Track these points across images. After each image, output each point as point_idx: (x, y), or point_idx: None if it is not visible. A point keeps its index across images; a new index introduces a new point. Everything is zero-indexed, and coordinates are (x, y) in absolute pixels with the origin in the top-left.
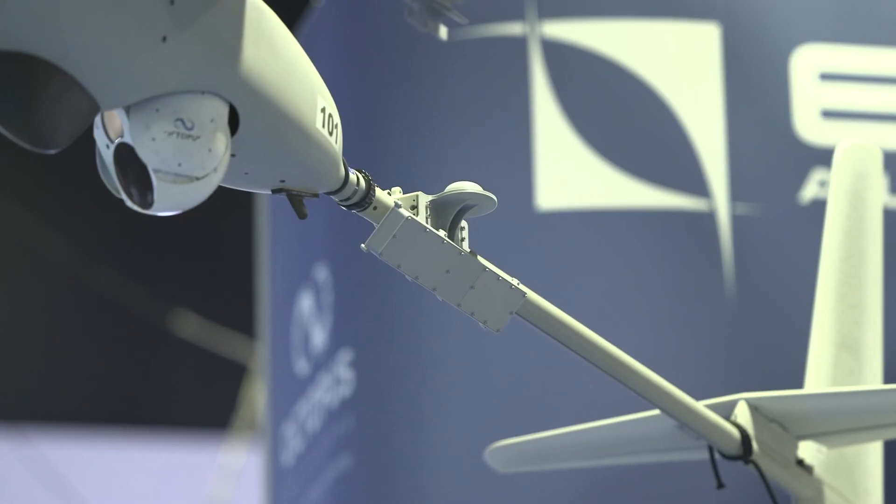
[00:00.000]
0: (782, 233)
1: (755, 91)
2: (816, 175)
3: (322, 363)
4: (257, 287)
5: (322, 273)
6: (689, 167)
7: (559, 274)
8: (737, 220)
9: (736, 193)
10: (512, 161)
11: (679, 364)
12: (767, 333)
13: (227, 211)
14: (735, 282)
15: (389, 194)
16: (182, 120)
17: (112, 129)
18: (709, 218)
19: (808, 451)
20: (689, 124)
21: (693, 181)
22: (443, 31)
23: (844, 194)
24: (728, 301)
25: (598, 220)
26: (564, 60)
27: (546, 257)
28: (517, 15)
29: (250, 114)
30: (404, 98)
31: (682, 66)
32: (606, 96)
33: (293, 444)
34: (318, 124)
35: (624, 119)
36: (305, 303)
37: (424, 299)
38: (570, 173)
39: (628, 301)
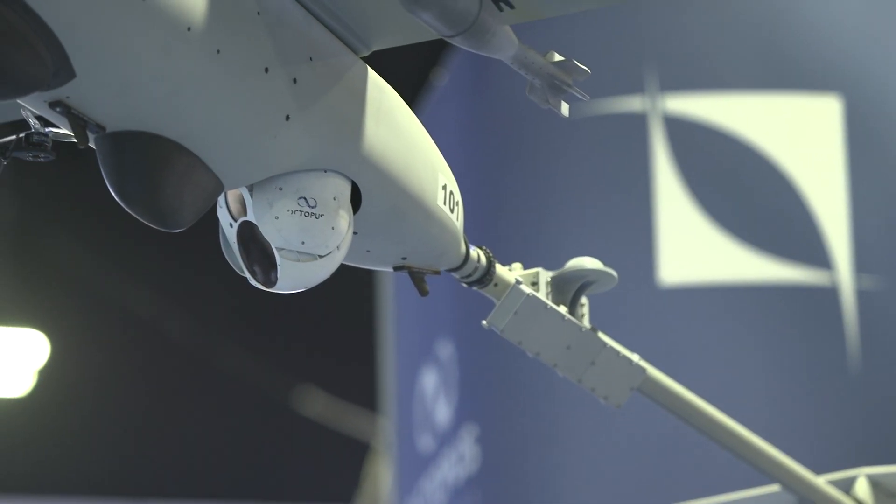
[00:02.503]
0: None
1: (879, 161)
2: None
3: (447, 439)
4: (381, 364)
5: (446, 349)
6: (812, 240)
7: (680, 348)
8: (861, 293)
9: (860, 265)
10: (634, 236)
11: (800, 438)
12: (891, 408)
13: (351, 288)
14: (860, 356)
15: (510, 270)
16: (305, 198)
17: (235, 208)
18: (832, 291)
19: None
20: (812, 197)
21: (816, 254)
22: (564, 108)
23: None
24: (851, 375)
25: (720, 295)
26: (685, 134)
27: (667, 332)
28: (637, 89)
29: (373, 192)
30: (525, 174)
31: (804, 138)
32: (728, 169)
33: None
34: (440, 202)
35: (746, 192)
36: (429, 379)
37: (547, 375)
38: (693, 247)
39: (749, 375)
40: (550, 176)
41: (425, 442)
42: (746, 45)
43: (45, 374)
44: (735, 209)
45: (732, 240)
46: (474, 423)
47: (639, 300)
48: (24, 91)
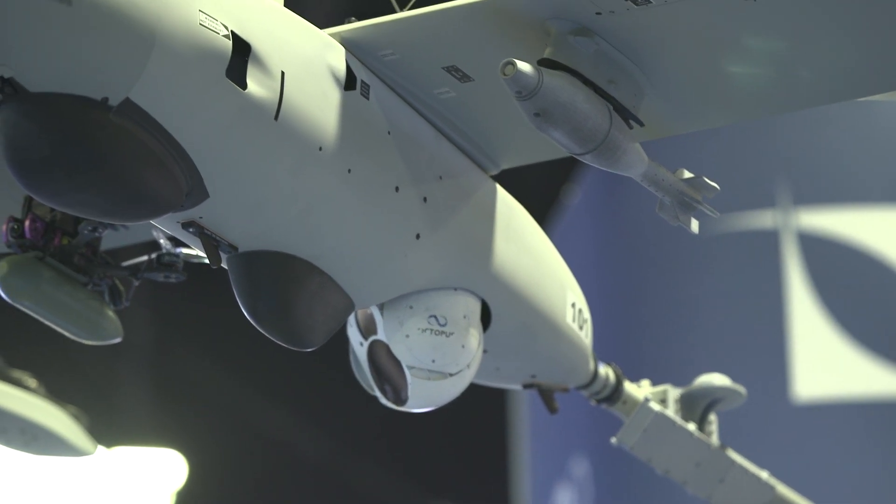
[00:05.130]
0: None
1: None
2: None
3: None
4: (515, 481)
5: (581, 467)
6: None
7: (813, 465)
8: None
9: None
10: (767, 352)
11: None
12: None
13: (481, 406)
14: None
15: (639, 387)
16: (435, 317)
17: (366, 326)
18: None
19: None
20: None
21: None
22: (694, 225)
23: None
24: None
25: (856, 411)
26: (818, 249)
27: (800, 448)
28: (768, 203)
29: (502, 310)
30: (655, 291)
31: None
32: (863, 284)
33: None
34: (569, 319)
35: (882, 307)
36: (564, 497)
37: (678, 492)
38: (828, 363)
39: (885, 495)
40: (680, 293)
41: None
42: (879, 159)
43: (184, 496)
44: (871, 324)
45: (869, 355)
46: None
47: (772, 416)
48: (159, 212)
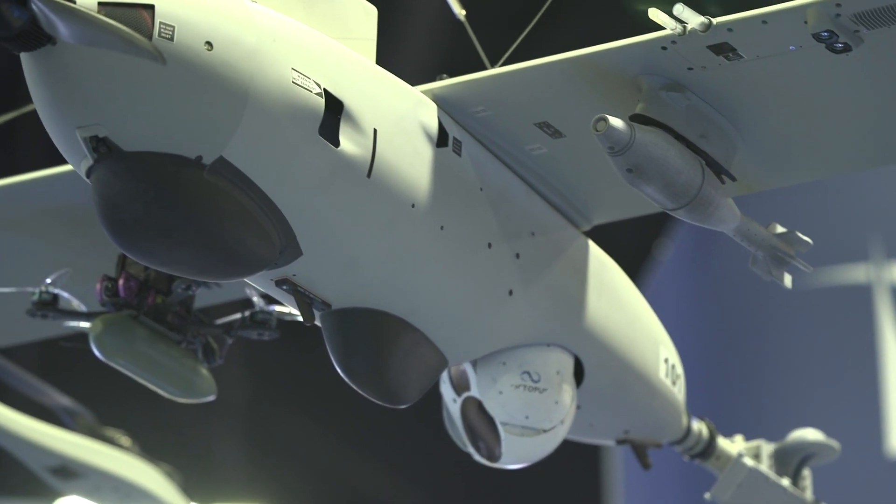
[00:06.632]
0: None
1: None
2: None
3: None
4: None
5: None
6: None
7: None
8: None
9: None
10: (861, 407)
11: None
12: None
13: (575, 462)
14: None
15: (732, 443)
16: (528, 373)
17: (459, 383)
18: None
19: None
20: None
21: None
22: (787, 280)
23: None
24: None
25: None
26: None
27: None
28: (861, 257)
29: (595, 365)
30: (748, 346)
31: None
32: None
33: None
34: (661, 375)
35: None
36: None
37: None
38: None
39: None
40: (773, 347)
41: None
42: None
43: None
44: None
45: None
46: None
47: (866, 471)
48: (253, 270)
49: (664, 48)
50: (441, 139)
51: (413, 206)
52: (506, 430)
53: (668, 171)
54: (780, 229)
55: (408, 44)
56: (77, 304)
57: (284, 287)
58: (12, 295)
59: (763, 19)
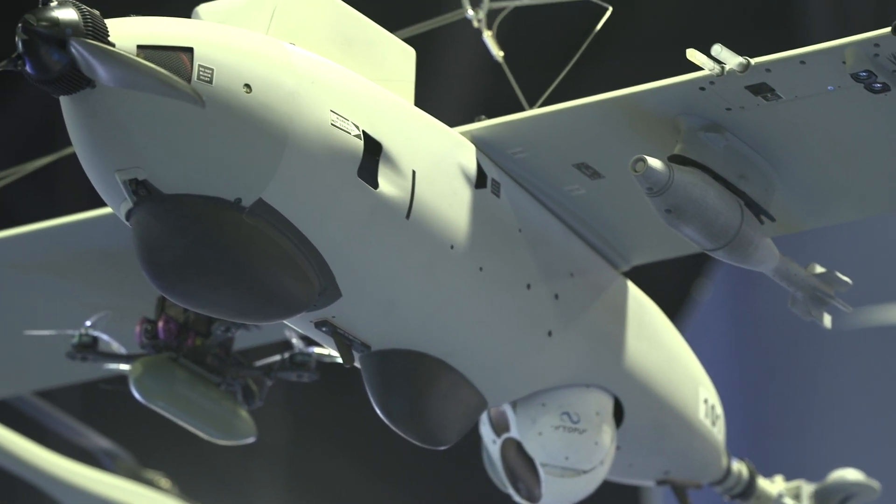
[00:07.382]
0: None
1: None
2: None
3: None
4: None
5: None
6: None
7: None
8: None
9: None
10: None
11: None
12: None
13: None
14: None
15: (772, 483)
16: (568, 413)
17: (498, 424)
18: None
19: None
20: None
21: None
22: (827, 320)
23: None
24: None
25: None
26: None
27: None
28: None
29: (635, 406)
30: (788, 386)
31: None
32: None
33: None
34: (701, 415)
35: None
36: None
37: None
38: None
39: None
40: (813, 388)
41: None
42: None
43: None
44: None
45: None
46: None
47: None
48: (292, 312)
49: (702, 88)
50: (480, 180)
51: (452, 247)
52: (546, 471)
53: (706, 212)
54: (819, 269)
55: (446, 85)
56: (117, 347)
57: (324, 329)
58: (52, 337)
59: (801, 59)
